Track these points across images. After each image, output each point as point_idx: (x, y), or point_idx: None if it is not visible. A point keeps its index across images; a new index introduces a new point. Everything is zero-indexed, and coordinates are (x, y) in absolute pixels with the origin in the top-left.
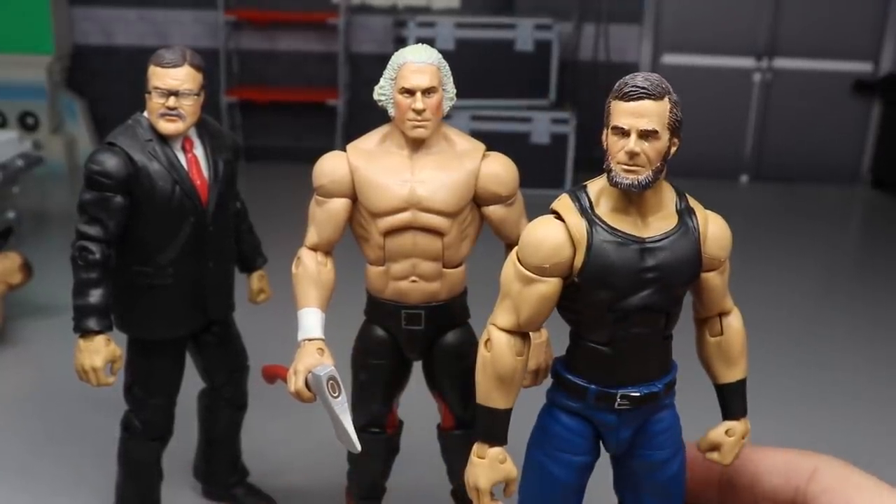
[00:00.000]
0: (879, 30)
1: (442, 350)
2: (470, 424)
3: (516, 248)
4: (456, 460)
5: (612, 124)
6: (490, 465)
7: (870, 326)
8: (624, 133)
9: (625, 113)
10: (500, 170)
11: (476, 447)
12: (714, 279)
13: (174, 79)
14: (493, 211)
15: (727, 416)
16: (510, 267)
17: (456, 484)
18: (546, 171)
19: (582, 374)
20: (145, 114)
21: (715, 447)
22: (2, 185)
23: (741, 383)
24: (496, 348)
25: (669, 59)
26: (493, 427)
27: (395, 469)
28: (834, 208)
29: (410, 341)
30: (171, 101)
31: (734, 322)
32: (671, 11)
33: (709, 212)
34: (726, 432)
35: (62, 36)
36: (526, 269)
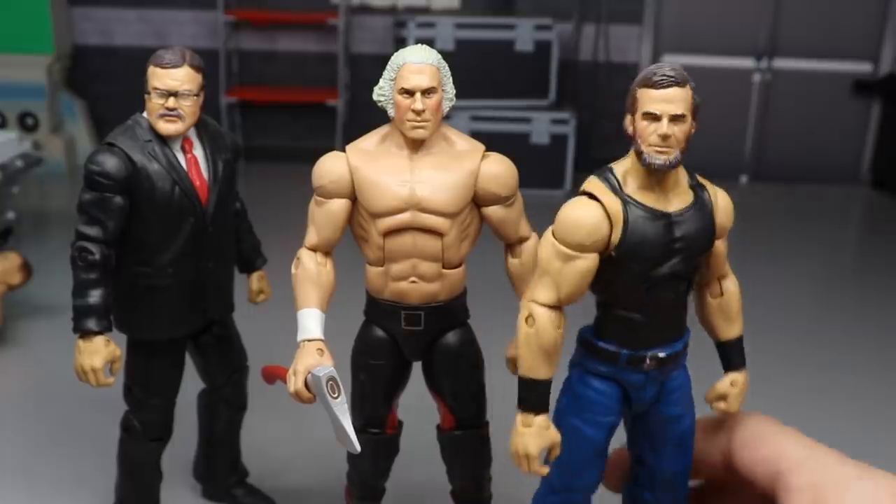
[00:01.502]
0: (879, 30)
1: (442, 351)
2: (469, 425)
3: (551, 228)
4: (455, 461)
5: (642, 110)
6: (538, 432)
7: (870, 327)
8: (655, 118)
9: (656, 99)
10: (499, 170)
11: (521, 417)
12: (720, 246)
13: (174, 79)
14: (493, 211)
15: (729, 368)
16: (549, 247)
17: (455, 485)
18: (546, 172)
19: (614, 340)
20: (144, 114)
21: (722, 397)
22: (2, 186)
23: (740, 339)
24: (539, 323)
25: (669, 59)
26: (538, 397)
27: (395, 469)
28: (834, 208)
29: (410, 342)
30: (171, 102)
31: (731, 286)
32: (671, 11)
33: (715, 186)
34: (731, 383)
35: (62, 36)
36: (566, 247)
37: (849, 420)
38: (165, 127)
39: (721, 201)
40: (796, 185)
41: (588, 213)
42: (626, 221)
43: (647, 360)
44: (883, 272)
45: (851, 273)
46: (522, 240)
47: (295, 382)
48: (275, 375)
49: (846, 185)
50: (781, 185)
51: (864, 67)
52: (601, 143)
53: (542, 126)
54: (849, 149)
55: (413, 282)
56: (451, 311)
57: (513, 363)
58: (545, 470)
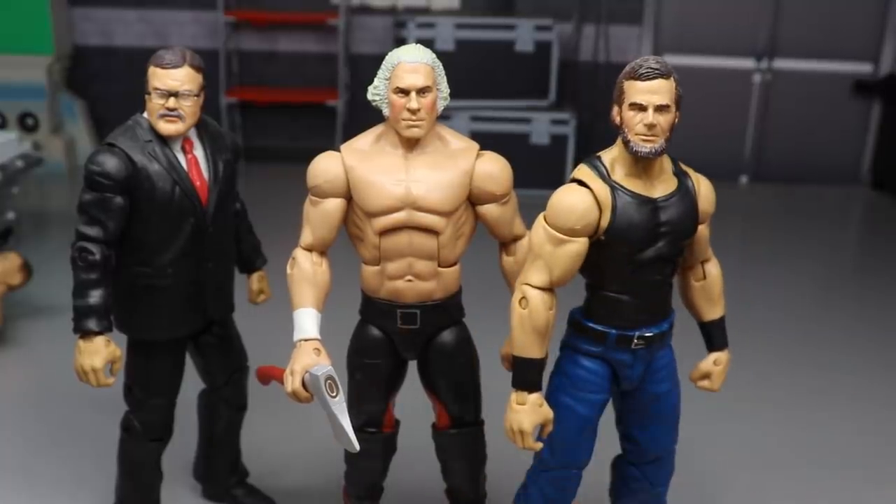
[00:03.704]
0: (879, 30)
1: (437, 349)
2: (465, 423)
3: (543, 213)
4: (450, 459)
5: (629, 101)
6: (532, 409)
7: (870, 327)
8: (641, 108)
9: (642, 91)
10: (494, 169)
11: (515, 395)
12: (703, 231)
13: (174, 80)
14: (488, 210)
15: (712, 348)
16: (541, 231)
17: (450, 483)
18: (546, 172)
19: (603, 321)
20: (145, 115)
21: (705, 376)
22: (2, 186)
23: (722, 319)
24: (532, 304)
25: (669, 59)
26: (531, 375)
27: (392, 468)
28: (834, 209)
29: (406, 341)
30: (171, 102)
31: (713, 269)
32: (671, 11)
33: (697, 174)
34: (714, 362)
35: (62, 36)
36: (558, 231)
37: (849, 421)
38: (166, 127)
39: (703, 189)
40: (796, 185)
41: (578, 199)
42: (614, 207)
43: (635, 340)
44: (883, 272)
45: (851, 273)
46: (517, 238)
47: (292, 382)
48: (269, 376)
49: (846, 186)
50: (781, 186)
51: (864, 68)
52: (601, 143)
53: (542, 126)
54: (849, 149)
55: (409, 280)
56: (447, 310)
57: (508, 361)
58: (539, 445)
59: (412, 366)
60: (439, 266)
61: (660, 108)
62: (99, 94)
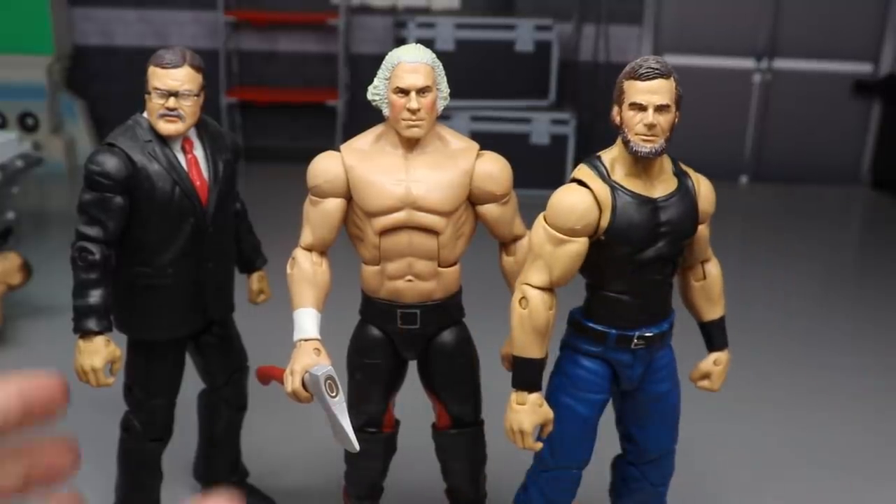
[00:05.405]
0: (879, 30)
1: (437, 349)
2: (465, 424)
3: (542, 213)
4: (450, 460)
5: (629, 101)
6: (531, 409)
7: (870, 327)
8: (641, 108)
9: (642, 91)
10: (494, 169)
11: (515, 396)
12: (703, 230)
13: (174, 79)
14: (488, 210)
15: (712, 348)
16: (541, 231)
17: (450, 483)
18: (546, 172)
19: (603, 321)
20: (145, 114)
21: (705, 376)
22: (2, 186)
23: (722, 319)
24: (532, 304)
25: (669, 59)
26: (531, 375)
27: (392, 468)
28: (834, 209)
29: (406, 341)
30: (171, 102)
31: (713, 269)
32: (671, 12)
33: (697, 174)
34: (714, 362)
35: (62, 36)
36: (558, 231)
37: (849, 422)
38: (166, 127)
39: (703, 189)
40: (796, 185)
41: (578, 199)
42: (614, 207)
43: (635, 340)
44: (883, 272)
45: (851, 273)
46: (517, 238)
47: (292, 382)
48: (269, 376)
49: (846, 186)
50: (781, 186)
51: (864, 68)
52: (601, 143)
53: (542, 126)
54: (849, 149)
55: (409, 280)
56: (447, 310)
57: (508, 361)
58: (539, 445)
59: (412, 366)
60: (439, 266)
61: (660, 108)
62: (99, 94)
